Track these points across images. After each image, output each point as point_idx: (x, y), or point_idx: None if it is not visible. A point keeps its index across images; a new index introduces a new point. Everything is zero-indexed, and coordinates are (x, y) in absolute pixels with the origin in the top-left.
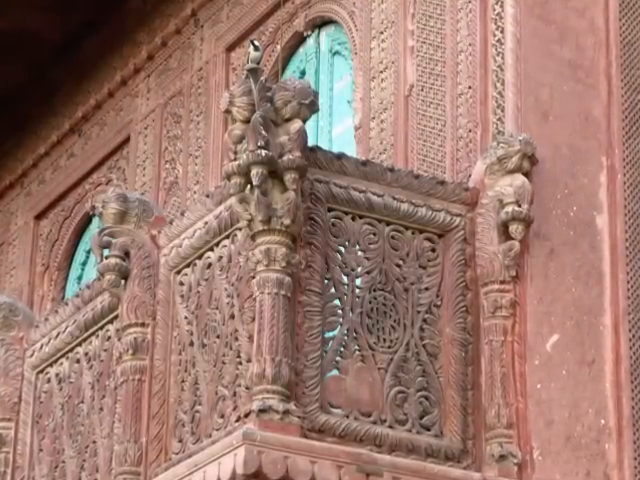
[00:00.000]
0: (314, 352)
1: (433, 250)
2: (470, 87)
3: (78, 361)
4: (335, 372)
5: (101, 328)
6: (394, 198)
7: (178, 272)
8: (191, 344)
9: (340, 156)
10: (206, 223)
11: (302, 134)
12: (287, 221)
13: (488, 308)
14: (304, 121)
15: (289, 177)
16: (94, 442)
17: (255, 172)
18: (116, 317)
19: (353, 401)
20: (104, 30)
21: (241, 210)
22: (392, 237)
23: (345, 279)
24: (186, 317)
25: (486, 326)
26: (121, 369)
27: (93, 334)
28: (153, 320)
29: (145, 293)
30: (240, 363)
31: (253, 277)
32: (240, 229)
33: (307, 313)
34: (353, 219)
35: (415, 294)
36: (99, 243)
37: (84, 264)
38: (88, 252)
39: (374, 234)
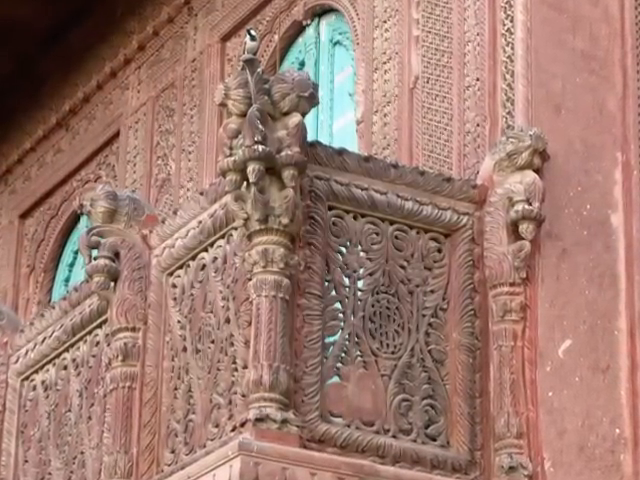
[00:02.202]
0: (314, 358)
1: (439, 251)
2: (478, 79)
3: (65, 367)
4: (336, 379)
5: (89, 333)
6: (398, 196)
7: (170, 274)
8: (184, 350)
9: (341, 152)
10: (200, 222)
11: (301, 128)
12: (285, 220)
13: (497, 312)
14: (303, 115)
15: (287, 174)
16: (82, 453)
17: (252, 168)
18: (105, 321)
19: (355, 410)
20: (92, 19)
21: (237, 208)
22: (396, 237)
23: (346, 281)
24: (179, 321)
25: (495, 331)
26: (110, 376)
27: (81, 339)
28: (144, 324)
29: (136, 296)
30: (236, 370)
31: (249, 279)
32: (236, 229)
33: (306, 317)
34: (355, 218)
35: (420, 297)
36: (87, 243)
37: (71, 265)
38: (76, 253)
39: (377, 234)
